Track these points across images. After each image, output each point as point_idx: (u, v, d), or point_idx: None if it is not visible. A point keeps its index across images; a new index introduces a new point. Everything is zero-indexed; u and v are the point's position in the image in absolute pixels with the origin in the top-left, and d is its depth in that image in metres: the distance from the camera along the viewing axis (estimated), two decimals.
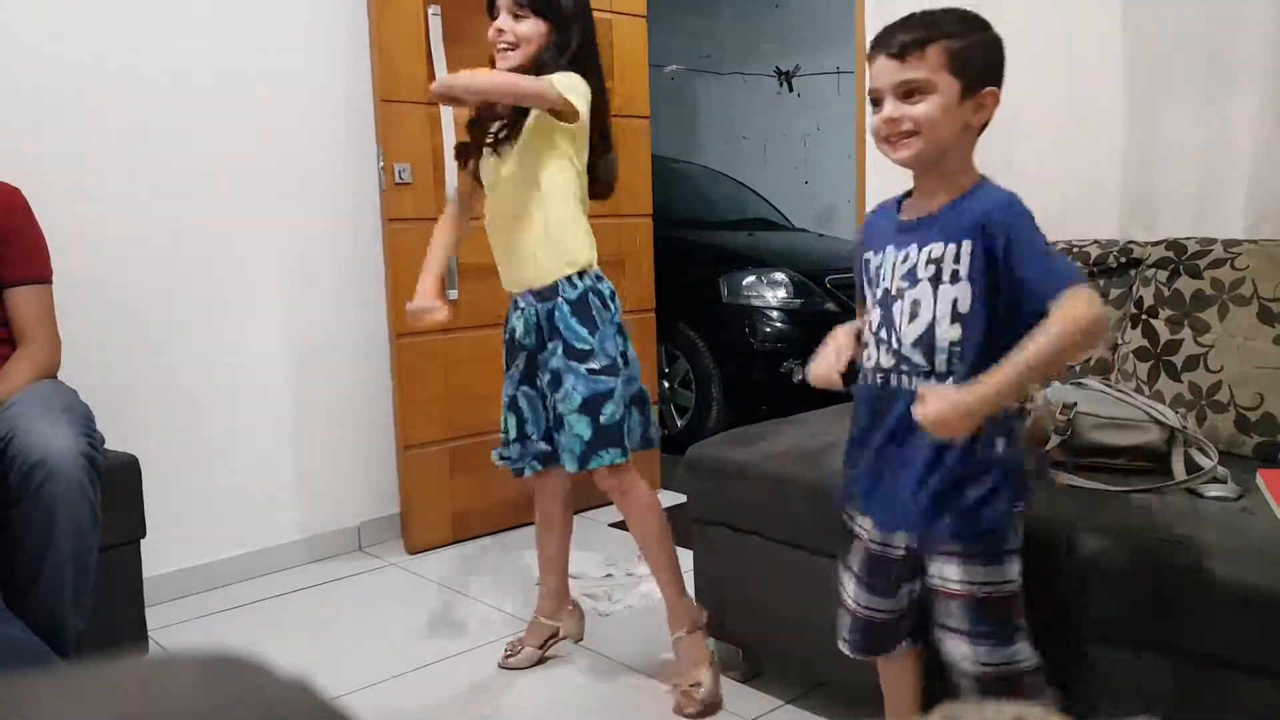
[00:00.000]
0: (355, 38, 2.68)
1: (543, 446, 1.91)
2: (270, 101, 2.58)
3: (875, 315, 1.34)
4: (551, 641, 2.08)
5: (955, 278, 1.24)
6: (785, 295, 3.82)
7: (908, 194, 1.37)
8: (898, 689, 1.51)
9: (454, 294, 2.79)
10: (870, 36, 2.38)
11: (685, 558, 2.07)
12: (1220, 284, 1.77)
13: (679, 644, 1.89)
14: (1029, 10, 2.12)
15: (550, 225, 1.82)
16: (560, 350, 1.82)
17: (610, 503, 1.94)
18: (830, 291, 3.80)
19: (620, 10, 3.14)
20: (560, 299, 1.83)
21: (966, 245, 1.23)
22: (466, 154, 1.94)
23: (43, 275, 1.87)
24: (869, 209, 2.40)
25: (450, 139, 2.69)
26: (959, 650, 1.30)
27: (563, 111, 1.76)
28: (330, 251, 2.72)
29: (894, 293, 1.30)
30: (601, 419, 1.81)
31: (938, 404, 1.16)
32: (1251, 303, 1.71)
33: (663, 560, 1.89)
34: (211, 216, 2.50)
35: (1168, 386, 1.78)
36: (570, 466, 1.84)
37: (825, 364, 1.35)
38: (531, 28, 1.80)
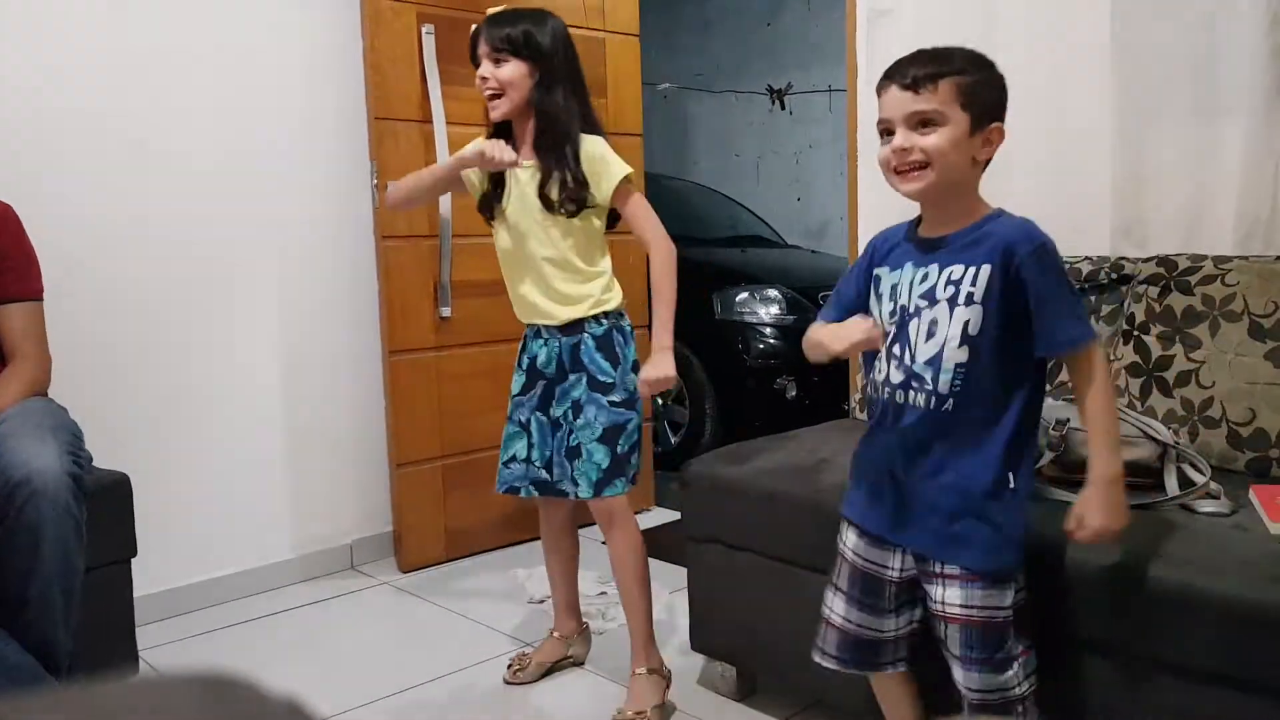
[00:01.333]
0: (350, 55, 2.69)
1: (542, 474, 1.94)
2: (264, 119, 2.58)
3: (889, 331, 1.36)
4: (560, 663, 2.11)
5: (970, 300, 1.27)
6: (778, 312, 3.83)
7: (916, 222, 1.39)
8: (898, 710, 1.51)
9: (447, 311, 2.79)
10: (861, 55, 2.43)
11: (679, 575, 2.07)
12: (1211, 300, 1.77)
13: (637, 680, 1.89)
14: (1021, 36, 2.14)
15: (588, 274, 1.87)
16: (584, 382, 1.87)
17: None
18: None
19: (613, 29, 3.16)
20: (586, 334, 1.87)
21: (985, 270, 1.26)
22: (488, 207, 1.93)
23: (34, 292, 1.87)
24: (862, 227, 2.46)
25: (444, 159, 2.70)
26: (958, 674, 1.32)
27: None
28: (323, 268, 2.72)
29: (911, 310, 1.32)
30: (618, 449, 1.87)
31: (1100, 517, 1.23)
32: (1242, 318, 1.72)
33: (640, 602, 1.91)
34: (204, 233, 2.49)
35: (1160, 402, 1.79)
36: (585, 493, 1.88)
37: (857, 328, 1.32)
38: (513, 70, 1.81)
